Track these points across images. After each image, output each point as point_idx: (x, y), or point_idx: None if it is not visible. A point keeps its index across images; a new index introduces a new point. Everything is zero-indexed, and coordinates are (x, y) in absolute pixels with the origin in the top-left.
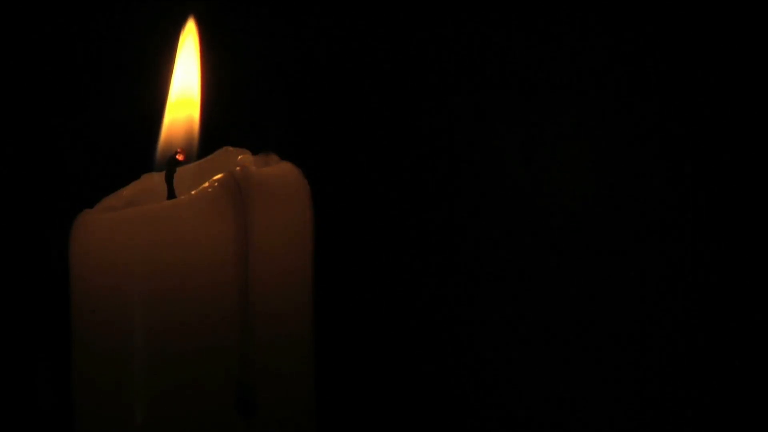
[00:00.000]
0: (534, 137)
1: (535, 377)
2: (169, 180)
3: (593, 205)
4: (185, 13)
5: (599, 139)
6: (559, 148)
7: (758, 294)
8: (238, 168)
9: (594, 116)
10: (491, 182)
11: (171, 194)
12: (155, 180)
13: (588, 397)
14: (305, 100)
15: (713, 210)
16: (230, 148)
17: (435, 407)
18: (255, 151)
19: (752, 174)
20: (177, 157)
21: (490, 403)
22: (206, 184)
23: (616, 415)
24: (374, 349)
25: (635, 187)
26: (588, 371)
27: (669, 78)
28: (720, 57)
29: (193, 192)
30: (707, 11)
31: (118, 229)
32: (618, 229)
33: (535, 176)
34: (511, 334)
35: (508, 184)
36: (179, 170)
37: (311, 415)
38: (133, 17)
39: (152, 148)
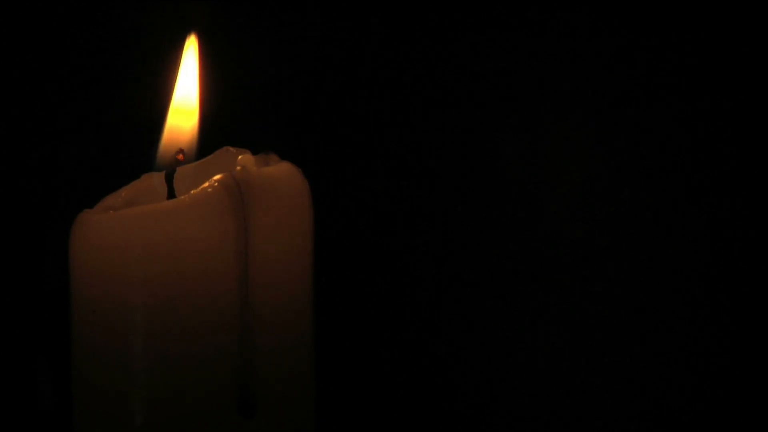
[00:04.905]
0: (536, 138)
1: (536, 378)
2: (169, 180)
3: (593, 206)
4: (187, 16)
5: (600, 139)
6: (561, 149)
7: (759, 294)
8: (238, 168)
9: (595, 117)
10: (492, 183)
11: (171, 194)
12: (155, 180)
13: (590, 398)
14: (305, 100)
15: (714, 210)
16: (230, 148)
17: (434, 409)
18: (255, 151)
19: (755, 174)
20: (177, 157)
21: (490, 404)
22: (206, 184)
23: (616, 415)
24: (374, 350)
25: (636, 187)
26: (588, 372)
27: (670, 78)
28: (721, 57)
29: (193, 192)
30: (709, 11)
31: (118, 229)
32: (618, 229)
33: (536, 177)
34: (511, 335)
35: (510, 185)
36: (179, 170)
37: (311, 417)
38: (134, 19)
39: (152, 148)
